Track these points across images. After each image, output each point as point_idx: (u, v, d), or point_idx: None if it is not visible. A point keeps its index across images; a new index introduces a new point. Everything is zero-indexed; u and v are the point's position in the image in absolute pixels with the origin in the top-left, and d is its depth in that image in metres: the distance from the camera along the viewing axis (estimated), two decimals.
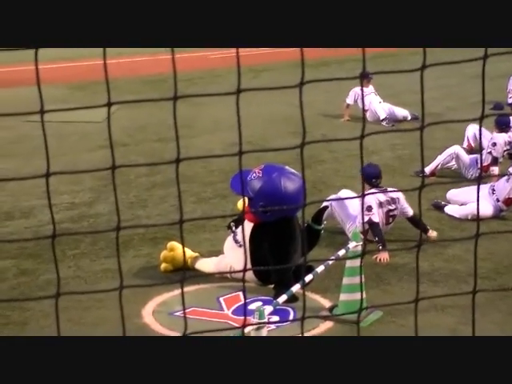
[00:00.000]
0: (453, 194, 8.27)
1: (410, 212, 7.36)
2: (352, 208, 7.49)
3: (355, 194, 7.28)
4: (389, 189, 7.36)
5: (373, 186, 7.31)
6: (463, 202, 8.09)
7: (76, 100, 15.48)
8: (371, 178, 7.32)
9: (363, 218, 7.25)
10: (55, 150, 11.06)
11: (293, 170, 6.58)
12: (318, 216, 6.81)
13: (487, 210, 7.93)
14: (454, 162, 9.62)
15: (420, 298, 2.21)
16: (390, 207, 7.30)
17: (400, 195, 7.35)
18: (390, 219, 7.35)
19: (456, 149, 9.64)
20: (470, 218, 7.88)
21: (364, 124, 2.23)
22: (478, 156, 9.46)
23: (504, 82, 14.02)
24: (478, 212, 2.36)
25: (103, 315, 5.73)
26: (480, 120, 2.20)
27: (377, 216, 7.10)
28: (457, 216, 8.02)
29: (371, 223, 7.05)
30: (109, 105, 1.98)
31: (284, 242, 6.37)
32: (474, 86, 14.74)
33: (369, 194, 7.01)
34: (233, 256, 6.58)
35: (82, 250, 7.24)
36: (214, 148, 11.32)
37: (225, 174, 9.64)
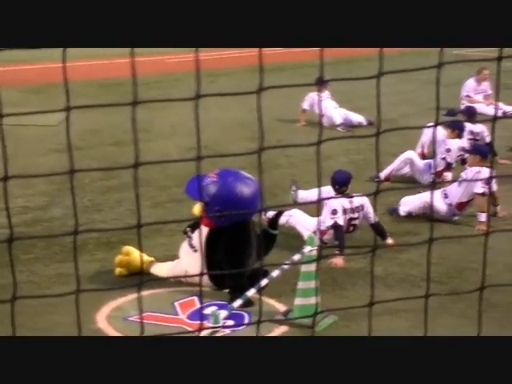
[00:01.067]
0: (407, 200, 8.36)
1: (374, 218, 7.41)
2: (310, 220, 7.49)
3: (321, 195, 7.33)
4: (354, 194, 7.42)
5: (338, 193, 7.36)
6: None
7: (31, 103, 15.31)
8: (335, 184, 7.39)
9: (320, 222, 7.30)
10: (9, 154, 10.90)
11: (248, 175, 6.60)
12: (274, 220, 6.83)
13: (441, 207, 8.13)
14: (408, 168, 9.74)
15: (374, 302, 2.23)
16: (353, 215, 7.34)
17: (366, 201, 7.41)
18: (351, 228, 7.39)
19: (410, 154, 9.76)
20: (422, 210, 8.04)
21: (321, 130, 2.24)
22: (431, 161, 9.58)
23: (457, 89, 14.21)
24: (432, 212, 2.39)
25: (56, 320, 5.67)
26: (434, 126, 2.24)
27: (341, 220, 7.14)
28: (412, 210, 8.15)
29: (336, 226, 7.08)
30: (68, 109, 1.96)
31: (239, 246, 6.38)
32: (428, 92, 14.87)
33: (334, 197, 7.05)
34: (188, 260, 6.57)
35: (35, 254, 7.16)
36: (171, 152, 11.28)
37: (180, 179, 9.61)
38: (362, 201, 7.40)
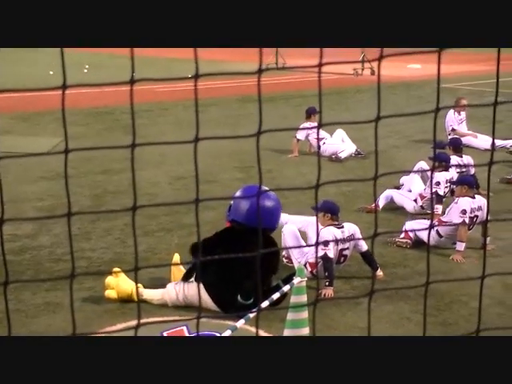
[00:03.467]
0: (410, 225, 8.45)
1: (364, 247, 7.41)
2: (306, 242, 7.52)
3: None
4: (344, 224, 7.43)
5: (334, 220, 7.38)
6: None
7: (20, 130, 15.31)
8: (337, 212, 7.42)
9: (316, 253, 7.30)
10: None
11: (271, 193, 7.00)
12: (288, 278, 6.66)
13: (431, 239, 8.23)
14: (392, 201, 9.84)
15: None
16: (344, 246, 7.33)
17: (356, 230, 7.42)
18: (342, 259, 7.38)
19: (389, 193, 9.84)
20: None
21: (319, 160, 2.24)
22: (417, 194, 9.71)
23: (442, 121, 14.34)
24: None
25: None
26: (431, 171, 2.24)
27: (332, 252, 7.13)
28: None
29: (326, 258, 7.06)
30: (66, 152, 1.96)
31: (235, 248, 6.38)
32: (416, 124, 15.05)
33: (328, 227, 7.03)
34: (187, 284, 6.65)
35: (23, 282, 7.11)
36: (160, 181, 11.28)
37: (169, 208, 9.60)
38: (353, 229, 7.41)
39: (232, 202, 6.98)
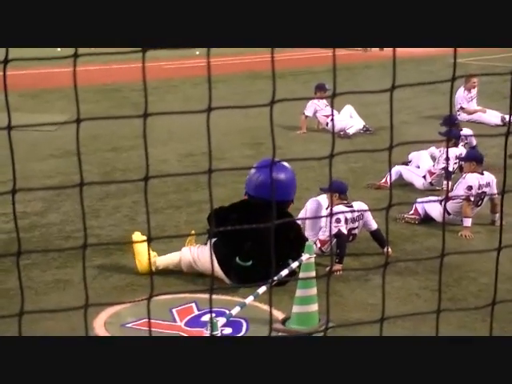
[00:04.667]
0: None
1: (374, 226, 7.39)
2: (320, 219, 7.48)
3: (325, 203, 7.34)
4: (353, 203, 7.40)
5: (343, 199, 7.34)
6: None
7: (28, 108, 15.30)
8: (344, 191, 7.38)
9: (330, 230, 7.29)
10: (5, 159, 10.89)
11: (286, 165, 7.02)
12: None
13: (436, 214, 8.22)
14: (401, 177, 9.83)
15: (385, 318, 2.22)
16: (353, 225, 7.32)
17: (366, 208, 7.40)
18: (351, 237, 7.36)
19: (398, 168, 9.82)
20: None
21: (333, 140, 2.23)
22: (426, 171, 9.70)
23: (453, 97, 14.27)
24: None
25: (53, 327, 5.64)
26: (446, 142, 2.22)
27: (345, 228, 7.12)
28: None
29: (339, 234, 7.03)
30: (78, 121, 1.95)
31: (247, 218, 6.38)
32: (427, 99, 14.98)
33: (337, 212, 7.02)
34: (200, 250, 6.78)
35: (32, 260, 7.13)
36: (168, 159, 11.28)
37: (178, 185, 9.61)
38: (362, 207, 7.39)
39: (248, 176, 7.00)
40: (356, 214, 7.32)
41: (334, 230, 7.00)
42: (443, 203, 8.33)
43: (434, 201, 8.18)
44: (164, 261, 6.87)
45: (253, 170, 6.92)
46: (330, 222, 2.21)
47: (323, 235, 7.33)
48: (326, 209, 7.29)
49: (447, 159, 9.54)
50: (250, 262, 6.54)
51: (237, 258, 6.58)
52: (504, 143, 2.45)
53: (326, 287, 2.29)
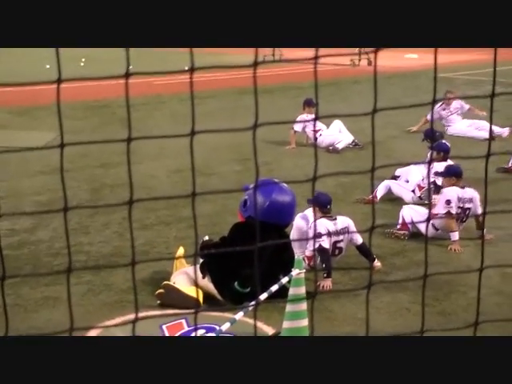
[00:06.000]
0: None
1: (360, 240, 7.41)
2: (306, 235, 7.50)
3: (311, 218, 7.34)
4: (338, 217, 7.42)
5: (324, 213, 7.36)
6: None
7: (17, 125, 15.29)
8: (326, 204, 7.39)
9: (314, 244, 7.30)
10: None
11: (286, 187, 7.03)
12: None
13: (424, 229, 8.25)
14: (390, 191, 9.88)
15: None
16: (337, 238, 7.33)
17: (350, 223, 7.42)
18: (336, 251, 7.37)
19: (387, 183, 9.87)
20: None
21: (316, 153, 2.24)
22: (415, 185, 9.75)
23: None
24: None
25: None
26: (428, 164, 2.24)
27: (327, 243, 7.13)
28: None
29: (321, 250, 7.06)
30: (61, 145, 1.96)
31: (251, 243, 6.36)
32: (414, 115, 15.01)
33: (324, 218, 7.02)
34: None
35: (22, 277, 7.11)
36: (157, 175, 11.28)
37: (168, 201, 9.60)
38: (346, 223, 7.41)
39: (247, 198, 6.92)
40: (340, 226, 7.33)
41: (316, 245, 7.04)
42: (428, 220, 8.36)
43: (425, 221, 8.16)
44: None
45: (257, 194, 6.75)
46: (314, 238, 2.22)
47: (308, 251, 7.35)
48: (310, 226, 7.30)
49: (432, 173, 9.57)
50: (248, 289, 6.54)
51: (235, 284, 6.58)
52: (486, 160, 2.47)
53: (311, 304, 2.30)
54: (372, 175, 2.21)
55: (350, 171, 10.48)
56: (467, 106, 14.85)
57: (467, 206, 8.34)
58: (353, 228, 7.41)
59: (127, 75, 1.96)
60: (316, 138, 13.11)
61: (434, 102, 2.24)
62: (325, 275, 6.96)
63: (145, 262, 2.33)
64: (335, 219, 7.37)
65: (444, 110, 14.60)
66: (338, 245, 7.35)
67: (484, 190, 2.57)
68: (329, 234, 7.19)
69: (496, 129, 13.53)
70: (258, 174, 2.17)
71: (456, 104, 14.63)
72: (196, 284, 6.61)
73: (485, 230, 8.25)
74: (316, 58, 2.11)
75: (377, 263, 7.39)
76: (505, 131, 13.75)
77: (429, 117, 14.34)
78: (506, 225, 8.69)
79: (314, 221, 7.13)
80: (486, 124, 13.96)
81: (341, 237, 7.33)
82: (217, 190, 9.13)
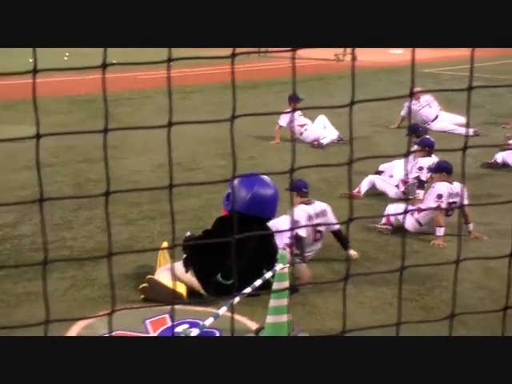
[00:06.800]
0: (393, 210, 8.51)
1: (336, 226, 7.48)
2: (283, 225, 7.55)
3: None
4: (316, 201, 7.52)
5: (303, 197, 7.44)
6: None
7: (3, 119, 15.21)
8: (302, 187, 7.47)
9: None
10: None
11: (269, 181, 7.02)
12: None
13: (408, 224, 8.26)
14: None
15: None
16: (317, 221, 7.43)
17: (327, 208, 7.52)
18: (318, 235, 7.46)
19: (371, 178, 9.91)
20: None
21: (294, 148, 2.25)
22: (399, 180, 9.79)
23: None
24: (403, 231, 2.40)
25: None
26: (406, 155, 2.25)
27: (303, 231, 7.19)
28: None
29: (297, 238, 7.16)
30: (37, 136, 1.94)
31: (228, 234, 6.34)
32: (398, 110, 15.06)
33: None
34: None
35: (4, 272, 7.08)
36: (142, 169, 11.25)
37: (152, 195, 9.58)
38: (324, 206, 7.59)
39: (230, 191, 6.92)
40: (318, 209, 7.44)
41: (293, 233, 7.16)
42: (414, 214, 8.40)
43: (403, 213, 8.21)
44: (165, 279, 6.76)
45: (239, 187, 6.82)
46: (292, 229, 2.23)
47: (286, 239, 7.42)
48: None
49: (416, 168, 9.60)
50: (230, 281, 6.55)
51: (218, 276, 6.59)
52: (462, 154, 2.47)
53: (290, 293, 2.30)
54: (350, 168, 2.21)
55: (331, 163, 10.51)
56: (435, 101, 14.94)
57: (454, 199, 8.39)
58: (330, 212, 7.57)
59: (104, 66, 1.96)
60: (301, 133, 13.13)
61: (410, 96, 2.24)
62: (298, 260, 7.05)
63: (122, 253, 2.32)
64: (313, 203, 7.55)
65: (414, 104, 14.64)
66: (318, 228, 7.46)
67: (463, 182, 2.58)
68: (309, 218, 7.29)
69: (461, 129, 13.69)
70: (236, 166, 2.16)
71: (425, 97, 14.70)
72: (177, 278, 6.62)
73: (470, 225, 8.31)
74: (294, 49, 2.11)
75: (352, 252, 7.46)
76: (469, 131, 13.84)
77: (402, 113, 14.41)
78: (490, 220, 8.74)
79: (292, 208, 7.20)
80: (462, 118, 14.03)
81: (319, 219, 7.43)
82: (199, 182, 9.13)
